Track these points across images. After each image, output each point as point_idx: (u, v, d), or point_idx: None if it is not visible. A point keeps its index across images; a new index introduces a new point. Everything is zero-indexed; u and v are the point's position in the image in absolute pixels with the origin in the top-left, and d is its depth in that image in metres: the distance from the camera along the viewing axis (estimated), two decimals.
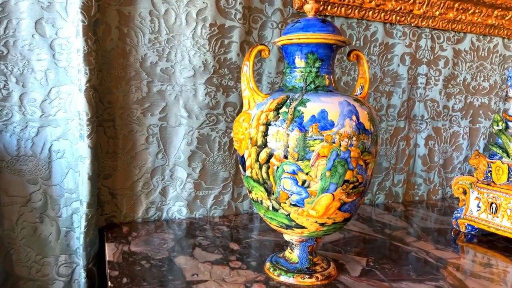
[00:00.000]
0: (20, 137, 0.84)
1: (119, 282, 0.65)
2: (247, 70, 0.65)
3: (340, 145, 0.57)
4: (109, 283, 0.64)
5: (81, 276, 0.87)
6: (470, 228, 0.96)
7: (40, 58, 0.84)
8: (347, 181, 0.59)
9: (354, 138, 0.58)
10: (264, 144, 0.60)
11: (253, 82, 0.65)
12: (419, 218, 1.10)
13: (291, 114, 0.58)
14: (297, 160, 0.58)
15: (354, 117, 0.59)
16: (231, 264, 0.73)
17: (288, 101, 0.60)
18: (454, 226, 1.00)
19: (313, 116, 0.58)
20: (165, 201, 1.00)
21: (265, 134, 0.60)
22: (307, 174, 0.58)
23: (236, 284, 0.65)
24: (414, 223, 1.05)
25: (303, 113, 0.58)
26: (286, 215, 0.62)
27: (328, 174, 0.58)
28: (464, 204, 0.97)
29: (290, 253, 0.70)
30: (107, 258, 0.74)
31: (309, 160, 0.58)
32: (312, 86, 0.63)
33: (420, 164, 1.31)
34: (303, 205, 0.60)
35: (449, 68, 1.28)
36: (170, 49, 0.95)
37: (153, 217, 0.99)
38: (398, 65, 1.21)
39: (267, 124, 0.60)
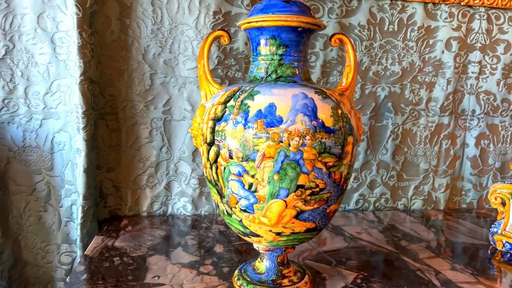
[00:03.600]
0: (25, 129, 0.88)
1: (78, 277, 0.64)
2: (203, 59, 0.59)
3: (290, 145, 0.49)
4: (68, 278, 0.63)
5: None
6: (509, 246, 0.79)
7: (43, 52, 0.87)
8: (301, 186, 0.51)
9: (307, 137, 0.49)
10: (212, 142, 0.54)
11: (209, 72, 0.59)
12: (456, 229, 0.94)
13: (237, 108, 0.51)
14: (241, 161, 0.51)
15: (310, 113, 0.50)
16: (201, 269, 0.68)
17: (237, 93, 0.53)
18: (490, 243, 0.83)
19: (260, 110, 0.50)
20: (170, 196, 0.99)
21: (213, 131, 0.54)
22: (253, 176, 0.51)
23: None
24: (445, 235, 0.90)
25: (249, 107, 0.51)
26: (239, 221, 0.56)
27: (276, 177, 0.50)
28: (503, 218, 0.80)
29: (259, 262, 0.63)
30: (85, 252, 0.74)
31: (254, 161, 0.50)
32: (274, 76, 0.55)
33: (469, 167, 1.12)
34: (253, 211, 0.53)
35: (511, 54, 1.07)
36: (173, 39, 0.92)
37: (158, 212, 0.99)
38: (442, 52, 1.04)
39: (215, 119, 0.54)
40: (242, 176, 0.51)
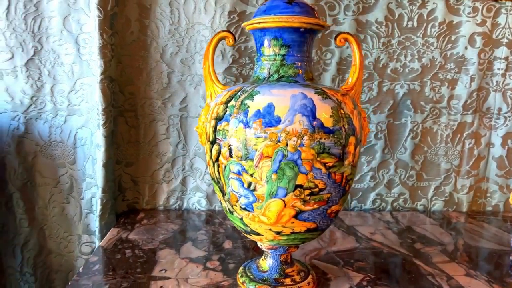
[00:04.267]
0: (51, 125, 0.93)
1: (90, 268, 0.67)
2: (208, 60, 0.60)
3: (287, 145, 0.49)
4: (81, 268, 0.67)
5: None
6: None
7: (68, 52, 0.91)
8: (300, 186, 0.51)
9: (305, 137, 0.49)
10: (214, 140, 0.55)
11: (213, 72, 0.60)
12: (477, 233, 0.91)
13: (237, 108, 0.52)
14: (241, 160, 0.52)
15: (308, 113, 0.50)
16: (208, 264, 0.70)
17: (238, 93, 0.54)
18: None
19: (258, 110, 0.51)
20: (185, 191, 1.01)
21: (215, 130, 0.55)
22: (251, 175, 0.52)
23: (196, 286, 0.62)
24: (464, 239, 0.87)
25: (248, 107, 0.51)
26: (240, 219, 0.57)
27: (274, 177, 0.51)
28: None
29: (263, 260, 0.64)
30: (100, 243, 0.78)
31: (252, 160, 0.51)
32: (276, 76, 0.56)
33: (495, 168, 1.08)
34: (252, 209, 0.54)
35: None
36: (190, 39, 0.94)
37: (174, 206, 1.01)
38: (465, 48, 1.00)
39: (217, 119, 0.55)
40: (242, 175, 0.52)
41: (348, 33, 0.60)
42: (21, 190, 0.94)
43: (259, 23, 0.55)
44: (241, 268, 0.66)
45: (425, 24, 0.99)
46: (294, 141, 0.49)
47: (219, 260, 0.72)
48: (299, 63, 0.56)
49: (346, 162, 0.53)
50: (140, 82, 0.95)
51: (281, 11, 0.54)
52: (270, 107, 0.50)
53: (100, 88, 0.86)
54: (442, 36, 1.00)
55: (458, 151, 1.06)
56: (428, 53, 1.00)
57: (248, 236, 0.60)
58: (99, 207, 0.90)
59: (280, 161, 0.50)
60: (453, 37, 1.00)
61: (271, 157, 0.50)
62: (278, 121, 0.50)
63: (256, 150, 0.50)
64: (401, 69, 1.01)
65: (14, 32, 0.89)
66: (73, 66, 0.92)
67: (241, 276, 0.63)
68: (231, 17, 0.92)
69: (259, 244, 0.63)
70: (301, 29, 0.55)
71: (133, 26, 0.92)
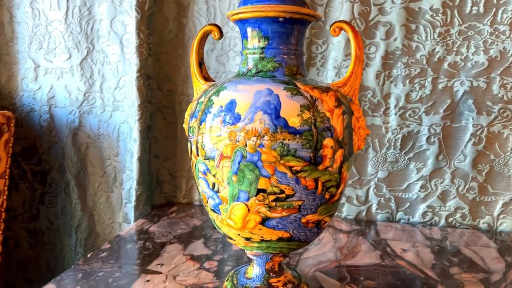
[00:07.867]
0: (100, 119, 1.01)
1: (97, 254, 0.71)
2: (192, 55, 0.59)
3: (246, 145, 0.46)
4: (89, 254, 0.71)
5: None
6: None
7: (114, 52, 0.98)
8: (263, 190, 0.47)
9: (266, 137, 0.45)
10: (187, 138, 0.54)
11: (197, 68, 0.58)
12: None
13: (204, 105, 0.50)
14: (205, 159, 0.50)
15: (271, 111, 0.45)
16: (205, 264, 0.69)
17: (209, 89, 0.52)
18: None
19: (221, 107, 0.48)
20: None
21: (189, 127, 0.53)
22: (214, 176, 0.49)
23: (180, 284, 0.62)
24: None
25: (213, 103, 0.49)
26: (213, 221, 0.54)
27: (234, 179, 0.47)
28: None
29: (251, 266, 0.61)
30: (120, 232, 0.82)
31: (214, 160, 0.48)
32: (254, 70, 0.52)
33: None
34: (220, 212, 0.51)
35: None
36: (225, 35, 0.93)
37: None
38: None
39: (190, 116, 0.53)
40: (207, 175, 0.50)
41: (343, 21, 0.53)
42: (76, 177, 1.05)
43: (237, 13, 0.52)
44: (232, 271, 0.64)
45: (494, 9, 0.83)
46: (253, 141, 0.45)
47: (219, 261, 0.70)
48: (282, 56, 0.52)
49: (320, 167, 0.47)
50: (178, 80, 0.98)
51: (258, 0, 0.50)
52: (232, 104, 0.47)
53: (136, 85, 0.91)
54: None
55: None
56: (498, 43, 0.84)
57: (226, 239, 0.57)
58: (134, 198, 0.95)
59: (239, 162, 0.46)
60: None
61: (230, 158, 0.47)
62: (238, 119, 0.46)
63: (217, 149, 0.48)
64: (462, 63, 0.86)
65: (71, 34, 0.99)
66: (118, 65, 0.98)
67: (227, 280, 0.61)
68: None
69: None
70: (280, 19, 0.50)
71: (171, 24, 0.95)
